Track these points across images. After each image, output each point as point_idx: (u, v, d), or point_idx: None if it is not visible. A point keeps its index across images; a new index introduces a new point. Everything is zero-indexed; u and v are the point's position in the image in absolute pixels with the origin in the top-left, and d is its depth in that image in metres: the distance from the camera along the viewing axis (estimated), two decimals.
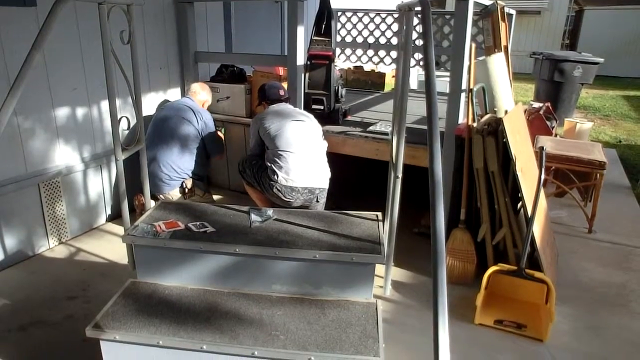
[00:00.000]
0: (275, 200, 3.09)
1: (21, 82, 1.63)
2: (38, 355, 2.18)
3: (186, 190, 3.47)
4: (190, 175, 3.48)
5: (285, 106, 3.29)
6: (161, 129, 3.42)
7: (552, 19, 14.61)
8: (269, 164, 3.04)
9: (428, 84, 1.40)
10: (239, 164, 3.28)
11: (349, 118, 3.94)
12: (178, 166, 3.39)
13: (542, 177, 2.43)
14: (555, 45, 14.32)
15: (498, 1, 3.42)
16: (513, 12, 4.33)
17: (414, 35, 4.49)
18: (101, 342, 1.84)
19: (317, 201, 3.14)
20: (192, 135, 3.44)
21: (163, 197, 3.43)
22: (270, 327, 1.88)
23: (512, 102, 3.31)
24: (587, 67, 6.76)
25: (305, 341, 1.80)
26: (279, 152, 3.02)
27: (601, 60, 6.81)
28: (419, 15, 1.76)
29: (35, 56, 1.67)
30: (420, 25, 1.79)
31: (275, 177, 2.99)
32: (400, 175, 2.21)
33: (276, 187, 3.00)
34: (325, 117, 3.59)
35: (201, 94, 3.67)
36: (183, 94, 4.03)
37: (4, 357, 2.14)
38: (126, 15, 2.14)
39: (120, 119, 2.20)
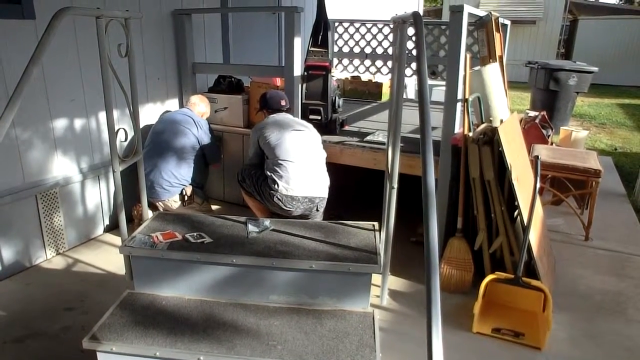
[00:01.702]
0: (275, 210, 3.10)
1: (19, 95, 1.64)
2: None
3: (186, 197, 3.49)
4: (190, 182, 3.51)
5: (285, 116, 3.32)
6: (161, 138, 3.46)
7: (547, 28, 14.73)
8: (269, 174, 3.05)
9: (421, 97, 1.41)
10: (238, 174, 3.29)
11: (347, 128, 3.97)
12: (179, 173, 3.43)
13: (538, 185, 2.45)
14: (550, 54, 14.43)
15: (492, 12, 3.46)
16: (508, 22, 4.38)
17: (411, 45, 4.54)
18: (98, 354, 1.84)
19: (317, 210, 3.15)
20: (191, 143, 3.49)
21: (163, 205, 3.45)
22: (268, 337, 1.88)
23: (507, 112, 3.34)
24: (582, 75, 6.82)
25: (302, 351, 1.80)
26: (279, 161, 3.03)
27: (596, 69, 6.87)
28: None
29: (33, 70, 1.68)
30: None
31: (276, 186, 3.00)
32: (395, 185, 2.22)
33: (277, 197, 3.01)
34: (323, 127, 3.61)
35: (200, 106, 3.71)
36: (181, 105, 4.05)
37: None
38: (124, 29, 2.16)
39: (118, 130, 2.21)
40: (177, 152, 3.42)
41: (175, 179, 3.41)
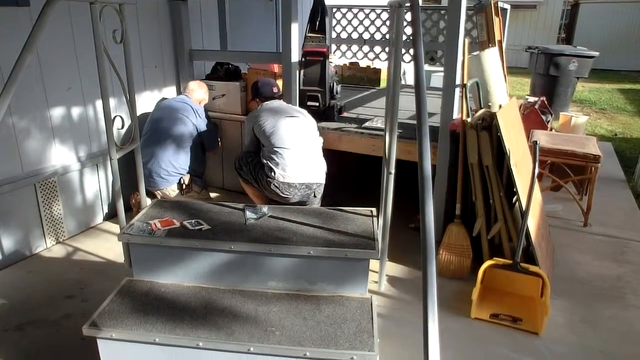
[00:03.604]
0: (272, 197, 3.10)
1: (13, 82, 1.63)
2: (36, 354, 2.19)
3: (184, 186, 3.49)
4: (188, 171, 3.51)
5: (279, 103, 3.31)
6: (159, 126, 3.44)
7: (548, 13, 14.61)
8: (266, 161, 3.04)
9: (417, 81, 1.40)
10: (235, 162, 3.29)
11: (345, 114, 3.95)
12: (177, 162, 3.42)
13: (536, 170, 2.44)
14: (551, 39, 14.32)
15: None
16: (507, 6, 4.34)
17: (409, 30, 4.50)
18: (98, 341, 1.85)
19: (315, 196, 3.16)
20: (190, 131, 3.47)
21: (161, 193, 3.45)
22: (266, 323, 1.89)
23: (506, 97, 3.32)
24: (582, 60, 6.77)
25: (300, 337, 1.81)
26: (275, 149, 3.02)
27: (596, 53, 6.81)
28: None
29: (27, 56, 1.67)
30: None
31: (273, 174, 2.99)
32: (393, 171, 2.21)
33: (274, 184, 3.01)
34: (321, 114, 3.60)
35: (198, 92, 3.68)
36: (178, 92, 4.03)
37: (2, 357, 2.15)
38: (118, 15, 2.14)
39: (114, 118, 2.20)
40: (175, 141, 3.41)
41: (174, 168, 3.41)
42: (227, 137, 3.98)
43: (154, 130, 3.45)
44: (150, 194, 3.32)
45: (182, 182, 3.48)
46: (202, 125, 3.55)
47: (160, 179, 3.39)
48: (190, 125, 3.46)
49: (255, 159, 3.14)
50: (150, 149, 3.36)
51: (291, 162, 3.00)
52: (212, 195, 3.87)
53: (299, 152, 3.05)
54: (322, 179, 3.14)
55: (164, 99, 3.86)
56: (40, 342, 2.26)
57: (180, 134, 3.43)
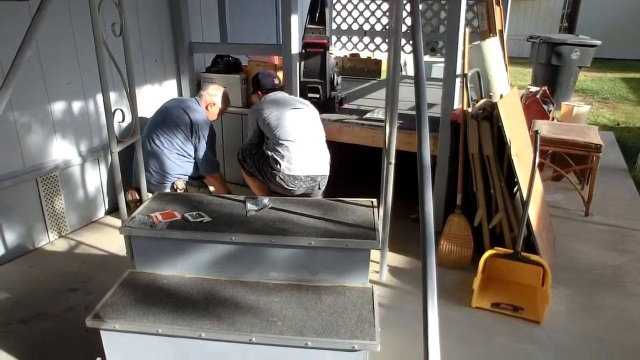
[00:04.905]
0: (277, 190, 3.10)
1: (13, 76, 1.64)
2: (40, 347, 2.21)
3: (177, 190, 3.36)
4: (183, 177, 3.39)
5: (282, 95, 3.29)
6: (156, 134, 3.30)
7: (550, 2, 14.50)
8: (270, 153, 3.03)
9: (416, 70, 1.40)
10: (239, 154, 3.27)
11: (346, 106, 3.95)
12: (167, 171, 3.30)
13: (537, 160, 2.44)
14: (553, 28, 14.23)
15: None
16: None
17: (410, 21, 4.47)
18: (101, 332, 1.86)
19: (319, 188, 3.16)
20: (185, 140, 3.31)
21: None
22: (268, 313, 1.90)
23: (507, 87, 3.31)
24: (584, 49, 6.73)
25: (302, 327, 1.82)
26: (280, 141, 3.01)
27: (599, 42, 6.77)
28: None
29: (26, 50, 1.67)
30: None
31: (278, 166, 2.99)
32: (393, 161, 2.22)
33: (279, 177, 3.01)
34: (321, 106, 3.59)
35: (209, 97, 3.45)
36: (179, 85, 4.03)
37: (7, 350, 2.17)
38: (117, 8, 2.14)
39: (115, 111, 2.20)
40: (170, 150, 3.30)
41: (165, 177, 3.32)
42: (227, 130, 3.98)
43: (150, 137, 3.30)
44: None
45: (175, 187, 3.36)
46: (200, 146, 3.34)
47: (151, 185, 3.23)
48: (186, 134, 3.30)
49: (259, 151, 3.12)
50: (144, 155, 3.20)
51: (297, 155, 3.00)
52: (211, 188, 3.84)
53: (304, 144, 3.04)
54: (326, 171, 3.13)
55: (171, 99, 3.59)
56: (44, 335, 2.28)
57: (175, 145, 3.29)
